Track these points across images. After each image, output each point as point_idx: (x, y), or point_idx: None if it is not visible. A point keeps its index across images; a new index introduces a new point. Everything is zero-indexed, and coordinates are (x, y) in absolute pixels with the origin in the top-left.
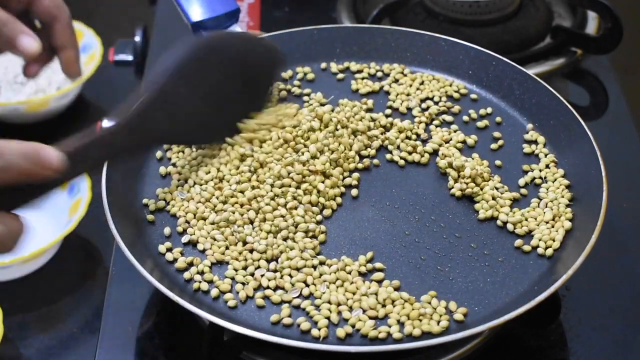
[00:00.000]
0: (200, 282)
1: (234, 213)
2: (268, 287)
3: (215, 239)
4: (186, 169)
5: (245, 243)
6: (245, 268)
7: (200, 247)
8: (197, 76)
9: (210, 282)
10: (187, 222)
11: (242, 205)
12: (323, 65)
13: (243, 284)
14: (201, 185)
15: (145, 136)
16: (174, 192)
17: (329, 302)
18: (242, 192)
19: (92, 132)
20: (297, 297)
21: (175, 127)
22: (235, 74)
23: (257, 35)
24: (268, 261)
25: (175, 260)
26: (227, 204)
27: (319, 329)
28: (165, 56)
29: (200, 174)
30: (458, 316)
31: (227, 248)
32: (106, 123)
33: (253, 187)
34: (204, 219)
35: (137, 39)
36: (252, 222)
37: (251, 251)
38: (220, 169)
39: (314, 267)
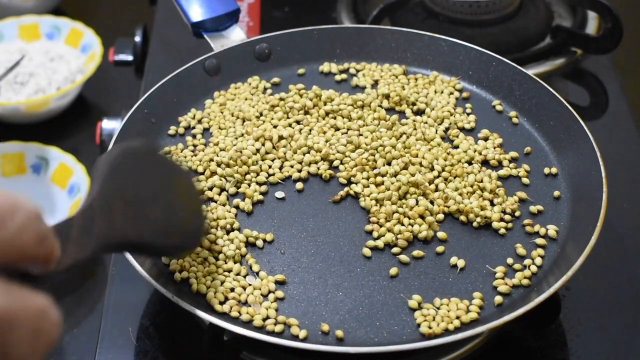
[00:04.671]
0: (198, 283)
1: None
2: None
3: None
4: None
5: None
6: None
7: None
8: (127, 177)
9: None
10: None
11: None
12: (323, 66)
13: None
14: None
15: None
16: None
17: None
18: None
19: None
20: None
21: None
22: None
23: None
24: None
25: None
26: None
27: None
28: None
29: None
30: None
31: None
32: (106, 123)
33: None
34: None
35: (137, 39)
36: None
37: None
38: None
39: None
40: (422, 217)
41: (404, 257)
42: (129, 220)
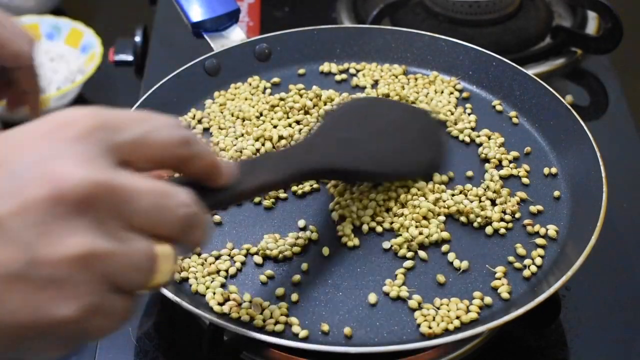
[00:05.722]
0: (197, 284)
1: None
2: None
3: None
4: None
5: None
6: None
7: None
8: (360, 114)
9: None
10: None
11: None
12: (323, 66)
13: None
14: None
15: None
16: None
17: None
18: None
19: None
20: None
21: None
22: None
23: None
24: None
25: None
26: None
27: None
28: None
29: None
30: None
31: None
32: None
33: None
34: None
35: (137, 39)
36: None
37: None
38: None
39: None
40: (424, 218)
41: (407, 263)
42: (333, 150)
